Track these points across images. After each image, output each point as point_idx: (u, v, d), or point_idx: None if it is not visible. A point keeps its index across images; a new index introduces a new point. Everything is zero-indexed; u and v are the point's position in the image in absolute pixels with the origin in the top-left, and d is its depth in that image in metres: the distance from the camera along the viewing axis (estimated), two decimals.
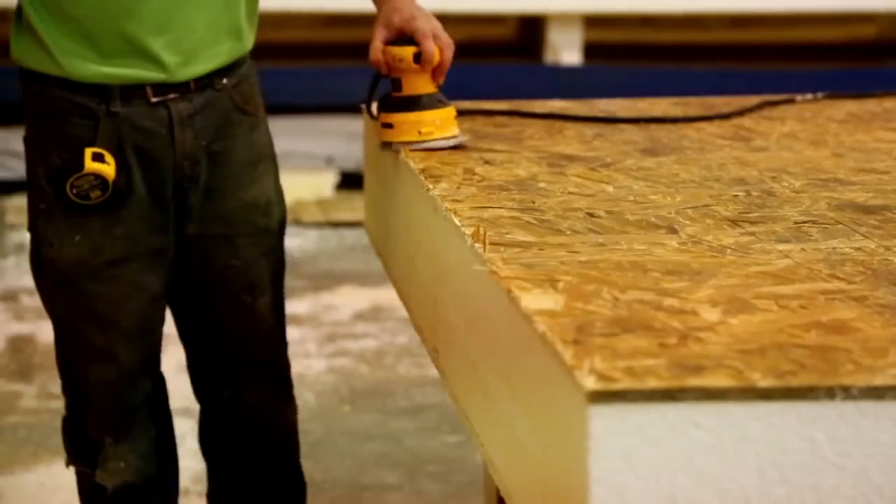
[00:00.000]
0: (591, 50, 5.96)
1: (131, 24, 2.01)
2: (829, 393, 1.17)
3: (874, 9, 6.03)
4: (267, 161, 2.20)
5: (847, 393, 1.17)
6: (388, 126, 2.13)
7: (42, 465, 3.16)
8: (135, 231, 2.07)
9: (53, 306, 2.17)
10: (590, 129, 2.40)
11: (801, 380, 1.18)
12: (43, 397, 3.65)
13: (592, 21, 5.99)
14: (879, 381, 1.18)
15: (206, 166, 2.09)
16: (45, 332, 4.16)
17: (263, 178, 2.18)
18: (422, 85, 2.10)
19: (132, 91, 2.04)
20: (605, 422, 1.15)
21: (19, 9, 2.06)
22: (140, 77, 2.04)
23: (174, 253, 2.12)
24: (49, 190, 2.07)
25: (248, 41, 2.15)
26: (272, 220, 2.20)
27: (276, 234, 2.21)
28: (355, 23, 5.40)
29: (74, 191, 2.00)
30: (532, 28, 6.19)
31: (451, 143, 2.12)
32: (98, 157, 2.00)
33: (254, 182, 2.16)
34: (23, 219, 4.86)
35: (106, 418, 2.17)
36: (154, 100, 2.04)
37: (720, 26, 6.50)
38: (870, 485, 1.20)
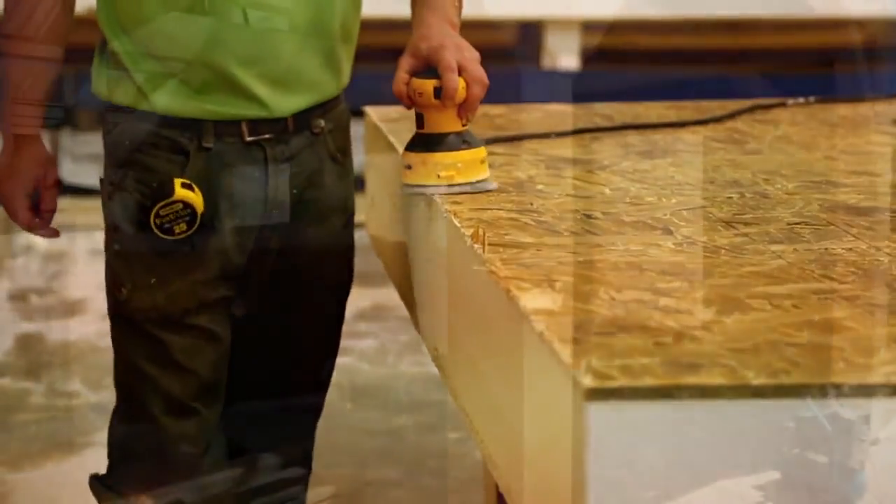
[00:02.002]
0: (588, 54, 5.97)
1: (219, 55, 1.88)
2: (822, 391, 1.18)
3: (866, 14, 6.02)
4: (347, 212, 2.07)
5: (839, 391, 1.19)
6: (408, 167, 1.92)
7: (51, 462, 3.16)
8: (212, 278, 1.94)
9: (123, 350, 2.00)
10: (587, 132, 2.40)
11: (794, 378, 1.19)
12: (51, 395, 3.66)
13: (590, 26, 6.00)
14: (871, 379, 1.20)
15: (290, 214, 1.97)
16: (53, 331, 4.18)
17: (342, 231, 2.06)
18: (445, 122, 1.87)
19: (225, 127, 1.91)
20: (602, 419, 1.16)
21: (103, 43, 1.96)
22: (235, 113, 1.91)
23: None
24: (126, 228, 1.93)
25: (345, 76, 2.02)
26: (343, 276, 2.09)
27: (345, 290, 2.11)
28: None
29: (158, 221, 1.86)
30: (531, 33, 6.20)
31: (475, 189, 1.90)
32: (187, 187, 1.87)
33: (331, 235, 2.04)
34: None
35: (157, 470, 2.00)
36: (249, 139, 1.92)
37: (715, 31, 6.49)
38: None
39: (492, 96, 1.91)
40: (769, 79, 5.77)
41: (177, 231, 1.87)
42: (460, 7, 1.97)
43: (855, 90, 2.92)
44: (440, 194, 1.88)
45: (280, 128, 1.94)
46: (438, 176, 1.88)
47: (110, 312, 2.01)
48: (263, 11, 1.89)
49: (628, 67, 6.13)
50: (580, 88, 5.41)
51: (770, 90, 3.13)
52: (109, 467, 2.05)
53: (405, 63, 1.88)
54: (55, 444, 3.22)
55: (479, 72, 1.85)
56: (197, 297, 1.95)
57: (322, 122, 1.98)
